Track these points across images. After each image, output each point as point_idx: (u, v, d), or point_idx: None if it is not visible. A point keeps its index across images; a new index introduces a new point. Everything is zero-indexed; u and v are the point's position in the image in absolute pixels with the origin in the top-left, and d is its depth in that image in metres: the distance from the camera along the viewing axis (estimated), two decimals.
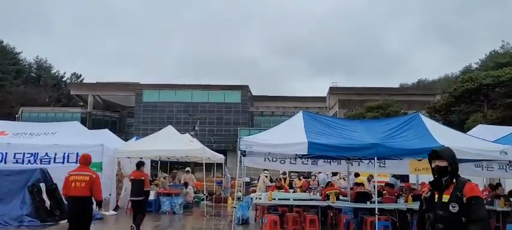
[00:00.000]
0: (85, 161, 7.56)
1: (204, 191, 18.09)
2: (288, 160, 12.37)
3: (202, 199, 17.01)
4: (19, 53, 75.57)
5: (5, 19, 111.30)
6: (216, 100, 52.17)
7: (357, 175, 14.21)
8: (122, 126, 58.00)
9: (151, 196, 13.33)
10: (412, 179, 15.60)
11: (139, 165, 10.35)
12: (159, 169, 21.25)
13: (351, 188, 12.24)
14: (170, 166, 20.75)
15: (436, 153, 3.68)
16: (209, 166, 20.68)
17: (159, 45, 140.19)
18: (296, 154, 11.33)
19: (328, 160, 12.39)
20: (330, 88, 54.61)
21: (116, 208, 14.22)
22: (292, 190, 15.37)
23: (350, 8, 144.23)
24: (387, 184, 12.78)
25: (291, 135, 9.45)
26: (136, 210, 9.94)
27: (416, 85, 75.97)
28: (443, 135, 9.04)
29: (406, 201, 10.63)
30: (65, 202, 10.82)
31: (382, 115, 32.28)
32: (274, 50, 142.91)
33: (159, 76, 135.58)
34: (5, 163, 12.28)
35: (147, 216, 10.61)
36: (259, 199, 12.19)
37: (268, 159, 12.19)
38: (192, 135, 19.73)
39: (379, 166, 11.46)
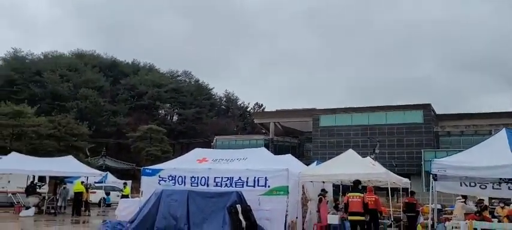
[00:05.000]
0: (371, 189, 13.32)
1: (391, 218, 17.18)
2: (491, 185, 10.87)
3: (390, 225, 16.17)
4: (211, 89, 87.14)
5: (199, 61, 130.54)
6: (395, 122, 49.79)
7: None
8: (301, 151, 60.22)
9: (336, 221, 13.35)
10: None
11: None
12: (340, 193, 21.15)
13: None
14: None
15: None
16: (392, 191, 19.63)
17: (331, 74, 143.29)
18: (500, 179, 9.90)
19: None
20: None
21: None
22: (496, 220, 13.35)
23: None
24: None
25: (492, 156, 8.46)
26: None
27: None
28: None
29: None
30: (258, 224, 11.89)
31: None
32: (452, 65, 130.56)
33: (332, 102, 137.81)
34: (207, 186, 13.95)
35: None
36: (457, 228, 10.93)
37: (464, 183, 10.94)
38: (372, 159, 19.13)
39: None
